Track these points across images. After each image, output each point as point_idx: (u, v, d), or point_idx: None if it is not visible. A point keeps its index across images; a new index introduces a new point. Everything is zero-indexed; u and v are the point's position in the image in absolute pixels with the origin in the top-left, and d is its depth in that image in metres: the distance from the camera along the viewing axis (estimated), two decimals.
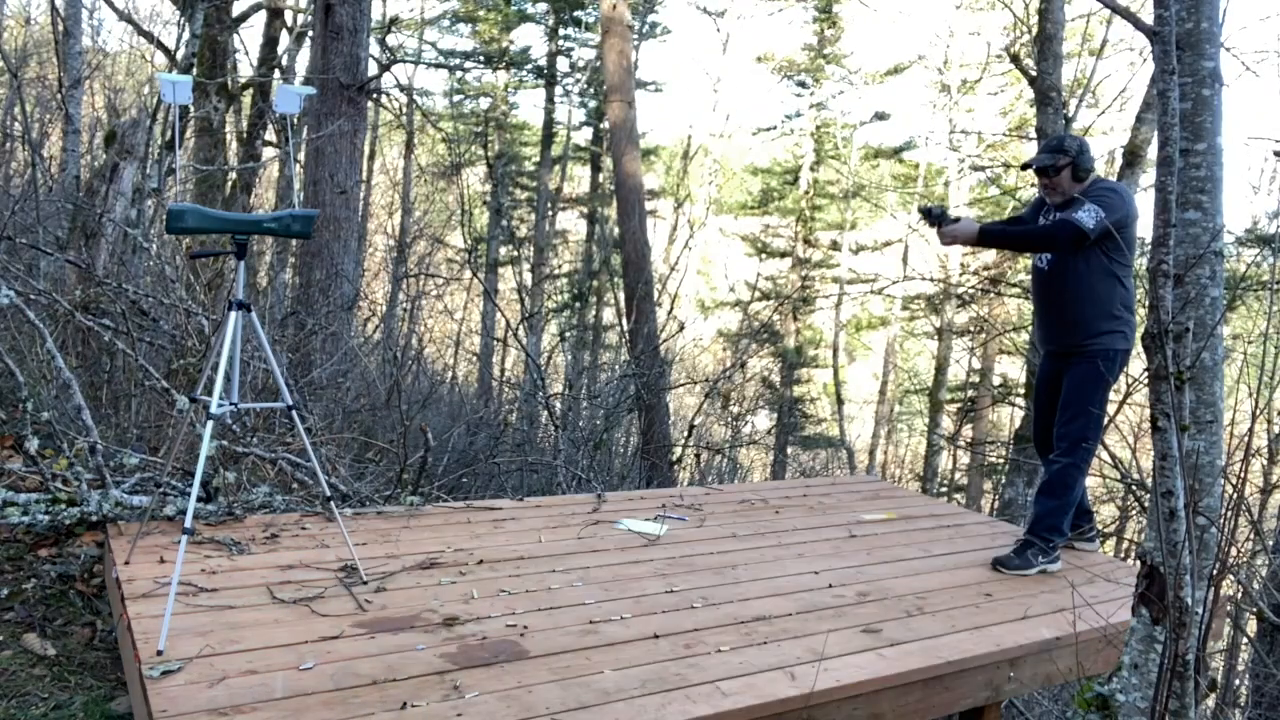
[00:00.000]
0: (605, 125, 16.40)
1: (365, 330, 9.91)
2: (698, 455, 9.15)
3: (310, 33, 9.54)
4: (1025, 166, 3.93)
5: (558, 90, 19.27)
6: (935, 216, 3.89)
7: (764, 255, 20.98)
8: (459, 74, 19.54)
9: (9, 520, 3.49)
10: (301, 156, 9.28)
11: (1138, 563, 2.46)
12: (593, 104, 19.14)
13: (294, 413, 3.31)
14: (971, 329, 18.00)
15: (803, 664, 2.88)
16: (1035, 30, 8.41)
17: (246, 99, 13.33)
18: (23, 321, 4.44)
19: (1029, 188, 15.02)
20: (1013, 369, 18.12)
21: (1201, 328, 2.36)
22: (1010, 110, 18.45)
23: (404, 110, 15.57)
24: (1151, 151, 7.52)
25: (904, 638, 3.16)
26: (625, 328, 11.02)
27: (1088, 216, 3.65)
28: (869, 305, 20.81)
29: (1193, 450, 2.37)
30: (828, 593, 3.55)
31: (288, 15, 12.71)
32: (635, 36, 17.85)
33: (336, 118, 7.52)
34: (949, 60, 18.38)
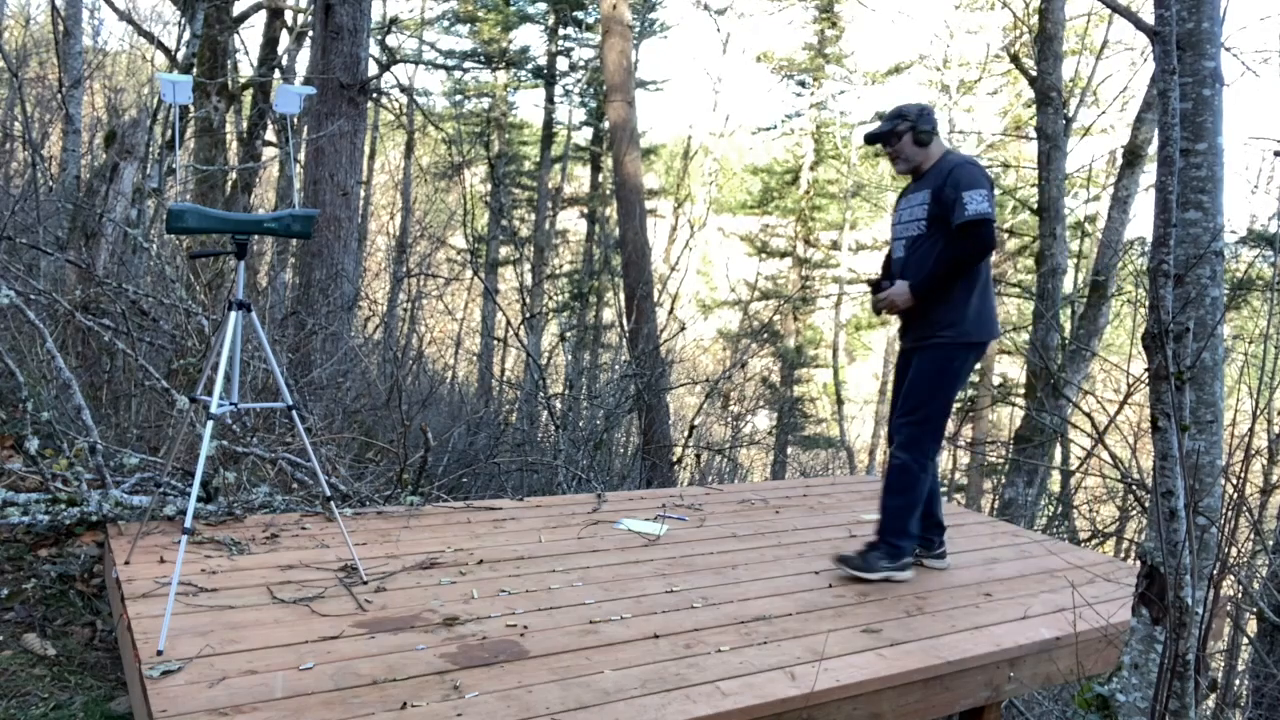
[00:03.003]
0: (605, 125, 16.41)
1: (365, 330, 9.91)
2: (698, 455, 9.15)
3: (310, 33, 9.54)
4: (868, 140, 3.79)
5: (558, 90, 19.28)
6: (874, 283, 3.86)
7: (764, 255, 20.99)
8: (459, 74, 19.54)
9: (9, 520, 3.49)
10: (301, 156, 9.28)
11: (1138, 563, 2.46)
12: (593, 104, 19.14)
13: (294, 413, 3.31)
14: None
15: (803, 664, 2.87)
16: (1035, 30, 8.41)
17: (246, 99, 13.33)
18: (23, 321, 4.44)
19: (1029, 187, 15.01)
20: (1013, 369, 18.12)
21: (1201, 328, 2.36)
22: (1009, 110, 18.46)
23: (404, 110, 15.57)
24: (1152, 151, 7.52)
25: (904, 638, 3.16)
26: (625, 328, 11.02)
27: (976, 204, 3.44)
28: (869, 305, 20.78)
29: (1193, 450, 2.37)
30: (828, 593, 3.55)
31: (288, 15, 12.71)
32: (635, 35, 17.85)
33: (336, 118, 7.52)
34: (948, 60, 18.39)
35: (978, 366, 3.76)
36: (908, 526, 3.69)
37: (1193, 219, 2.39)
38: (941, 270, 3.56)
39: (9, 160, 9.23)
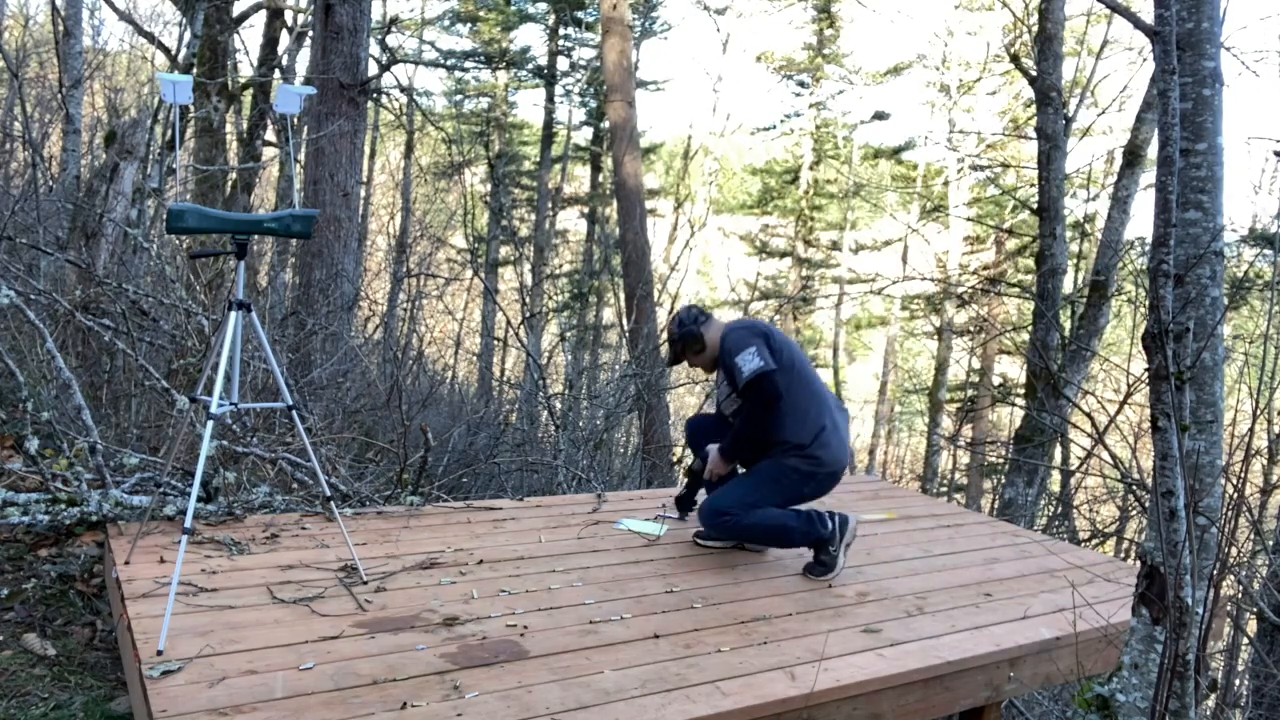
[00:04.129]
0: (605, 125, 16.42)
1: (365, 330, 9.91)
2: None
3: (310, 33, 9.54)
4: (670, 365, 4.15)
5: (558, 90, 19.30)
6: (695, 470, 4.17)
7: (764, 255, 21.01)
8: (459, 74, 19.56)
9: (9, 520, 3.49)
10: (301, 156, 9.28)
11: (1138, 563, 2.46)
12: (593, 104, 19.16)
13: (294, 413, 3.31)
14: (971, 329, 18.01)
15: (803, 664, 2.87)
16: (1035, 30, 8.42)
17: (246, 99, 13.34)
18: (23, 321, 4.44)
19: (1029, 187, 15.01)
20: (1013, 369, 18.13)
21: (1201, 328, 2.36)
22: (1009, 110, 18.47)
23: (404, 110, 15.57)
24: (1152, 151, 7.52)
25: (904, 638, 3.16)
26: (625, 328, 11.02)
27: (748, 365, 3.63)
28: (869, 305, 20.82)
29: (1193, 450, 2.37)
30: (828, 593, 3.56)
31: (288, 15, 12.71)
32: (635, 35, 17.85)
33: (337, 118, 7.52)
34: (948, 60, 18.39)
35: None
36: (804, 532, 3.73)
37: (1193, 219, 2.39)
38: (742, 430, 3.79)
39: (9, 160, 9.23)
